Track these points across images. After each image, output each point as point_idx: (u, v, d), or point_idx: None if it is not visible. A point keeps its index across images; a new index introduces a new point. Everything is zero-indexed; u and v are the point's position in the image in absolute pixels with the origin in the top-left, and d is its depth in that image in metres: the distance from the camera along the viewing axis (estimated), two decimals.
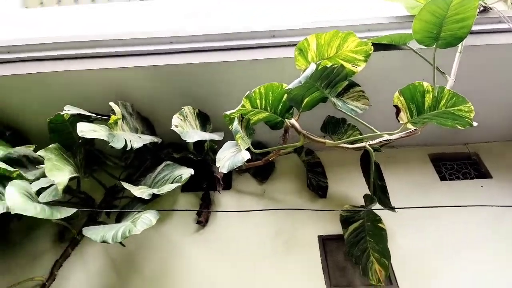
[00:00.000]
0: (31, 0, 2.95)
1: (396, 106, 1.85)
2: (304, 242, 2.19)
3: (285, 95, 1.94)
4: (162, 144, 2.45)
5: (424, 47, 2.05)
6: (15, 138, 2.39)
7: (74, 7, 2.81)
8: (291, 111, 2.04)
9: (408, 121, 1.84)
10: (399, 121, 1.87)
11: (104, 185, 2.36)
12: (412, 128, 1.85)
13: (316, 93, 1.93)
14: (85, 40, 2.32)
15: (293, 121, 2.01)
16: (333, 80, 1.95)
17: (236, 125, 1.79)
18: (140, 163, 2.49)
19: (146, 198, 1.83)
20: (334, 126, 2.22)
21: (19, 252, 2.24)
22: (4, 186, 1.85)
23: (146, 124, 2.42)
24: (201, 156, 2.41)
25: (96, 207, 2.30)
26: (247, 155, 1.67)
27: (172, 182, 1.94)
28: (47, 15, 2.73)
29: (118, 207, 2.32)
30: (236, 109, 1.88)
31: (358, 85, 2.14)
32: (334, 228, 2.23)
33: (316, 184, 2.41)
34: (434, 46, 1.99)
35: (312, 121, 2.19)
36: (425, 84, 1.73)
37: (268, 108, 1.97)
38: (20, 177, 1.91)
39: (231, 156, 1.78)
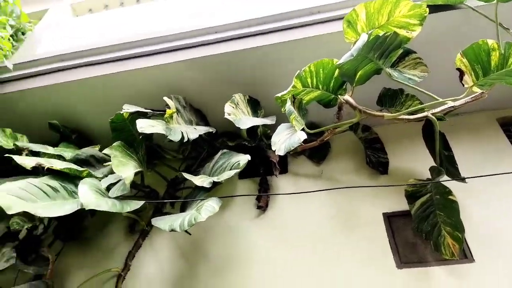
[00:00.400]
0: (80, 8, 3.10)
1: (459, 69, 1.73)
2: (367, 220, 2.13)
3: (337, 71, 1.88)
4: (216, 133, 2.49)
5: (484, 3, 1.89)
6: (80, 140, 2.54)
7: (120, 10, 2.91)
8: (344, 87, 1.97)
9: (473, 84, 1.71)
10: (463, 85, 1.74)
11: (165, 178, 2.45)
12: (478, 91, 1.72)
13: (369, 65, 1.84)
14: (134, 40, 2.40)
15: (347, 97, 1.94)
16: (387, 50, 1.86)
17: (289, 106, 1.77)
18: (197, 154, 2.54)
19: (207, 186, 1.87)
20: (391, 98, 2.11)
21: (95, 246, 2.40)
22: (76, 185, 1.97)
23: (200, 116, 2.46)
24: (255, 142, 2.41)
25: (160, 199, 2.39)
26: (303, 135, 1.64)
27: (230, 169, 1.96)
28: (96, 21, 2.85)
29: (181, 197, 2.40)
30: (287, 90, 1.85)
31: (414, 52, 2.02)
32: (399, 204, 2.15)
33: (375, 160, 2.32)
34: (495, 0, 1.82)
35: (367, 95, 2.09)
36: (490, 41, 1.60)
37: (320, 86, 1.92)
38: (89, 175, 2.02)
39: (286, 138, 1.76)
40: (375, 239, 2.05)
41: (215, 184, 1.93)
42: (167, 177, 2.46)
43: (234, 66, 2.30)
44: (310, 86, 1.90)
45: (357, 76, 1.89)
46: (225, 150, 2.16)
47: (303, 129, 1.76)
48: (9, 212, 1.60)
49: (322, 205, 2.25)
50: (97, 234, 2.43)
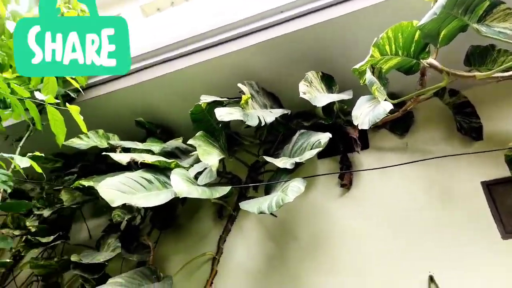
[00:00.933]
0: (149, 9, 3.25)
1: None
2: (464, 191, 1.99)
3: (417, 33, 1.75)
4: (291, 115, 2.47)
5: None
6: (164, 134, 2.69)
7: (186, 4, 2.98)
8: (426, 50, 1.83)
9: None
10: None
11: (245, 163, 2.50)
12: None
13: (453, 22, 1.69)
14: (202, 32, 2.45)
15: (430, 60, 1.80)
16: (472, 3, 1.69)
17: (369, 76, 1.69)
18: (273, 138, 2.56)
19: (290, 167, 1.87)
20: (481, 55, 1.92)
21: (188, 233, 2.54)
22: (167, 176, 2.10)
23: (273, 99, 2.47)
24: (332, 120, 2.35)
25: (243, 184, 2.45)
26: (389, 106, 1.56)
27: (311, 149, 1.94)
28: (166, 19, 2.95)
29: (263, 181, 2.43)
30: (365, 60, 1.77)
31: (502, 2, 1.80)
32: (499, 171, 1.96)
33: (467, 126, 2.14)
34: None
35: (451, 56, 1.93)
36: None
37: (400, 52, 1.81)
38: (177, 166, 2.13)
39: (369, 111, 1.69)
40: (475, 209, 1.90)
41: (297, 165, 1.92)
42: (247, 163, 2.52)
43: (303, 44, 2.26)
44: (389, 53, 1.79)
45: (441, 36, 1.75)
46: (303, 130, 2.14)
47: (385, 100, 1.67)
48: (113, 205, 1.75)
49: (410, 179, 2.14)
50: (188, 221, 2.57)
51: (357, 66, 1.78)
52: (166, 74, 2.45)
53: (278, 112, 2.24)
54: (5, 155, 1.79)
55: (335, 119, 2.38)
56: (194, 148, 2.39)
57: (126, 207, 2.36)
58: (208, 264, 2.27)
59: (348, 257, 2.05)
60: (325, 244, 2.14)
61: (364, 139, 2.43)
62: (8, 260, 2.41)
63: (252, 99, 2.22)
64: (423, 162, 2.08)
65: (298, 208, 2.28)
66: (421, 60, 1.83)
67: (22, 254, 2.57)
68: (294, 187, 1.73)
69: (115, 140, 2.50)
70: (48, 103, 1.68)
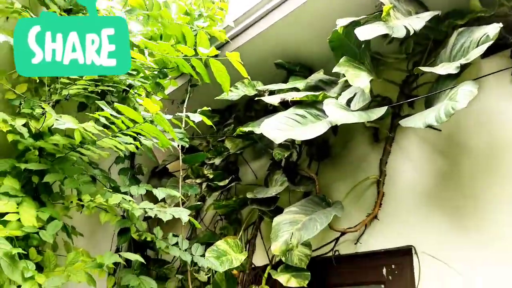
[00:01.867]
0: None
1: None
2: None
3: None
4: (440, 17, 2.19)
5: None
6: (303, 71, 2.70)
7: None
8: None
9: None
10: None
11: (394, 82, 2.35)
12: None
13: None
14: None
15: None
16: None
17: None
18: (422, 49, 2.33)
19: (454, 72, 1.69)
20: None
21: (346, 160, 2.55)
22: (317, 109, 2.14)
23: (417, 3, 2.21)
24: (493, 10, 1.99)
25: (395, 103, 2.32)
26: None
27: (476, 46, 1.70)
28: None
29: (418, 96, 2.25)
30: None
31: None
32: None
33: None
34: None
35: None
36: None
37: None
38: (325, 97, 2.13)
39: None
40: None
41: (462, 68, 1.72)
42: (396, 81, 2.36)
43: None
44: None
45: None
46: (461, 29, 1.89)
47: None
48: (277, 142, 1.90)
49: None
50: (343, 150, 2.58)
51: None
52: (296, 9, 2.41)
53: (426, 16, 2.00)
54: (180, 114, 2.06)
55: (498, 8, 2.01)
56: (338, 77, 2.37)
57: (282, 145, 2.51)
58: (372, 188, 2.28)
59: None
60: (505, 153, 1.91)
61: None
62: (199, 203, 2.86)
63: (393, 9, 2.02)
64: None
65: (466, 117, 2.04)
66: None
67: (206, 197, 3.01)
68: (465, 91, 1.56)
69: (260, 86, 2.62)
70: (210, 56, 1.86)
